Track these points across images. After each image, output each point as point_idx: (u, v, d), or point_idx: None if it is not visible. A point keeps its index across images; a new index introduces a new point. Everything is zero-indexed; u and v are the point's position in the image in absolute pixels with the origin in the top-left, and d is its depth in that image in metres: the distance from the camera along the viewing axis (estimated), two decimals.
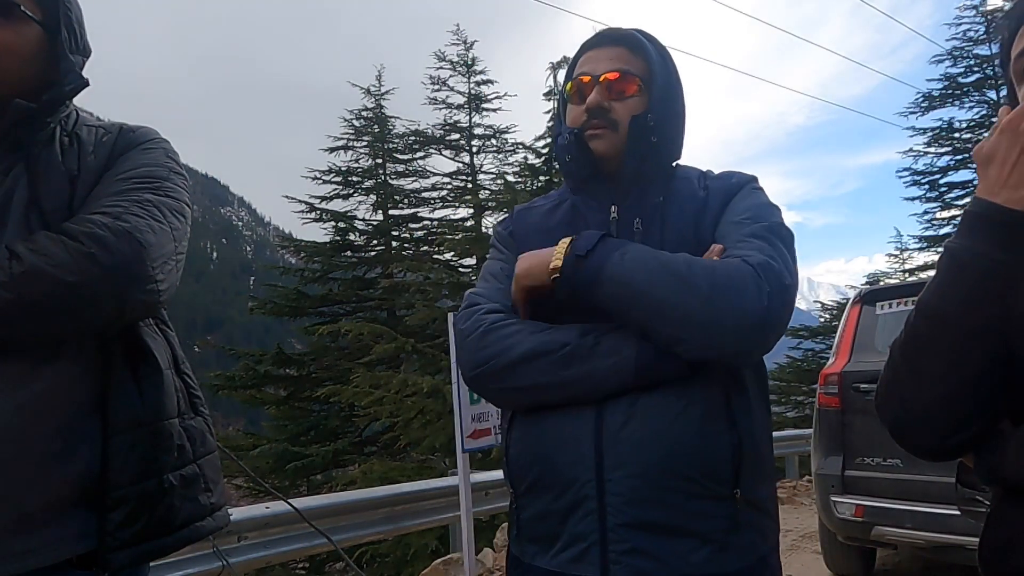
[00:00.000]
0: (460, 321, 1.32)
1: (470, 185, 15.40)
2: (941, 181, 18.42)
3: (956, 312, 0.91)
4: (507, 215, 1.52)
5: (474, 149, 15.58)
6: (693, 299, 1.13)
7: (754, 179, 1.38)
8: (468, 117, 15.44)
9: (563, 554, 1.20)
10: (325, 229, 15.25)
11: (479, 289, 1.37)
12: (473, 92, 15.32)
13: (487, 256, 1.48)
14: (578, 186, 1.39)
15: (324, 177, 15.23)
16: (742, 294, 1.13)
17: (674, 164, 1.41)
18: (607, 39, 1.37)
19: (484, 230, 13.42)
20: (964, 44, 17.85)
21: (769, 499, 1.28)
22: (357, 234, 15.39)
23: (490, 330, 1.26)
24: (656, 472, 1.15)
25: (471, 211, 14.42)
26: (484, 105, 15.36)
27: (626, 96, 1.32)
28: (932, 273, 0.97)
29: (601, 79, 1.32)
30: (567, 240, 1.24)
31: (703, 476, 1.17)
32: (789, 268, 1.20)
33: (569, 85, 1.37)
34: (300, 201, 14.96)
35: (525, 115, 15.16)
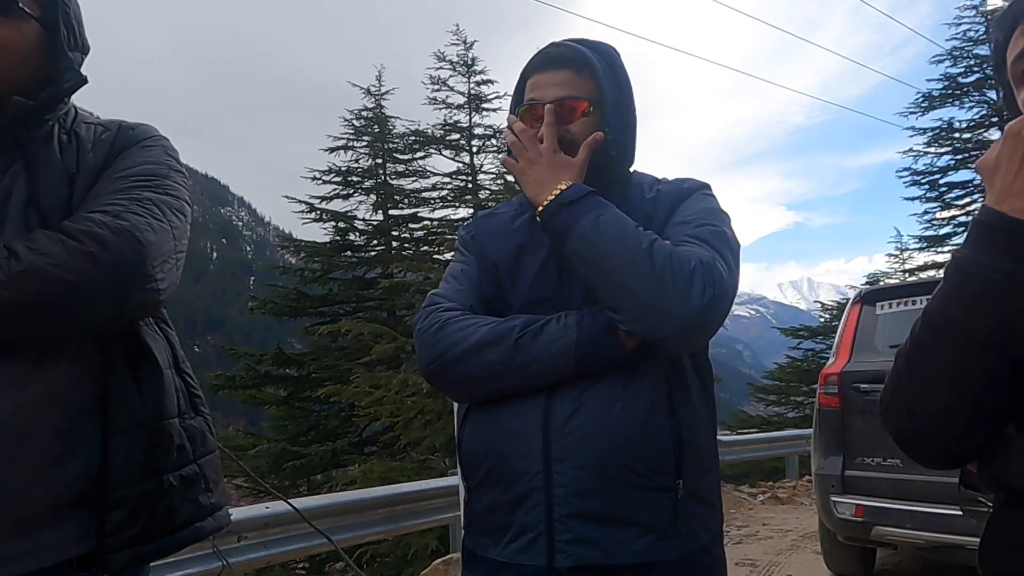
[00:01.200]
0: (420, 319, 1.37)
1: (470, 185, 15.39)
2: (941, 181, 18.40)
3: (961, 322, 0.90)
4: (471, 219, 1.56)
5: (474, 149, 15.57)
6: (644, 275, 1.19)
7: (706, 186, 1.42)
8: (468, 117, 15.43)
9: (512, 544, 1.25)
10: (325, 229, 15.26)
11: (440, 290, 1.42)
12: (473, 92, 15.32)
13: (451, 258, 1.52)
14: None
15: (324, 177, 15.21)
16: (689, 285, 1.18)
17: (631, 171, 1.45)
18: (552, 62, 1.39)
19: None
20: (964, 44, 17.85)
21: (711, 491, 1.32)
22: (357, 234, 15.38)
23: (445, 324, 1.31)
24: (600, 464, 1.21)
25: (471, 211, 14.41)
26: (484, 105, 15.35)
27: (576, 119, 1.36)
28: (932, 273, 0.97)
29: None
30: (563, 185, 1.29)
31: (645, 468, 1.22)
32: (732, 273, 1.25)
33: (522, 109, 1.39)
34: (300, 201, 14.95)
35: None
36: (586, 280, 1.26)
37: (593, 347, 1.23)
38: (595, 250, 1.23)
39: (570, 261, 1.28)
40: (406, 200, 15.56)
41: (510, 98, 1.46)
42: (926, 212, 18.54)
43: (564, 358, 1.23)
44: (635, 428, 1.22)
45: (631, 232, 1.23)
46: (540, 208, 1.29)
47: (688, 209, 1.35)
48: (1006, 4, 1.04)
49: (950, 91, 18.20)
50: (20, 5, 1.17)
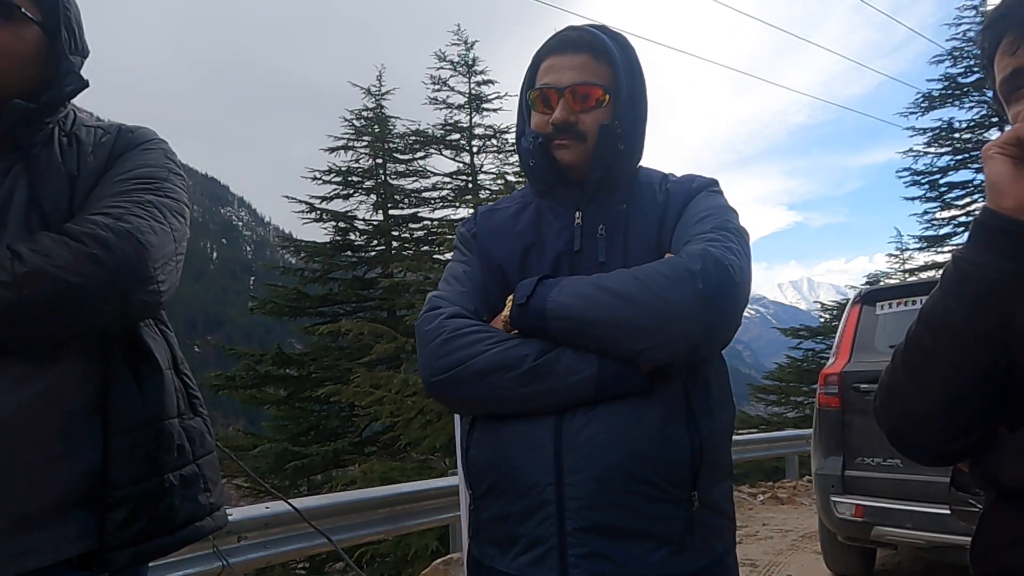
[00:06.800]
0: (422, 324, 1.31)
1: (470, 185, 15.39)
2: (941, 181, 18.39)
3: (958, 322, 0.90)
4: (470, 216, 1.51)
5: (474, 149, 15.58)
6: (633, 311, 1.15)
7: (714, 182, 1.39)
8: (468, 117, 15.44)
9: (522, 557, 1.21)
10: (325, 229, 15.28)
11: (441, 292, 1.37)
12: (473, 92, 15.33)
13: (451, 257, 1.48)
14: (543, 190, 1.39)
15: (324, 177, 15.23)
16: (678, 289, 1.14)
17: (637, 167, 1.41)
18: (570, 45, 1.35)
19: None
20: (964, 44, 17.83)
21: (725, 499, 1.28)
22: (357, 234, 15.40)
23: (451, 338, 1.25)
24: (613, 476, 1.16)
25: (471, 211, 14.38)
26: (484, 105, 15.36)
27: (591, 107, 1.32)
28: (932, 273, 0.97)
29: (566, 92, 1.31)
30: (511, 296, 1.27)
31: (661, 479, 1.17)
32: (733, 251, 1.21)
33: (533, 93, 1.36)
34: (300, 201, 14.97)
35: None
36: (589, 348, 1.20)
37: (614, 380, 1.18)
38: (576, 320, 1.18)
39: (566, 343, 1.21)
40: (406, 200, 15.57)
41: (510, 98, 1.44)
42: (926, 212, 18.57)
43: (582, 390, 1.18)
44: (651, 438, 1.17)
45: (597, 282, 1.20)
46: (511, 328, 1.25)
47: (695, 208, 1.32)
48: (991, 11, 1.04)
49: (950, 91, 18.20)
50: (22, 9, 1.17)
